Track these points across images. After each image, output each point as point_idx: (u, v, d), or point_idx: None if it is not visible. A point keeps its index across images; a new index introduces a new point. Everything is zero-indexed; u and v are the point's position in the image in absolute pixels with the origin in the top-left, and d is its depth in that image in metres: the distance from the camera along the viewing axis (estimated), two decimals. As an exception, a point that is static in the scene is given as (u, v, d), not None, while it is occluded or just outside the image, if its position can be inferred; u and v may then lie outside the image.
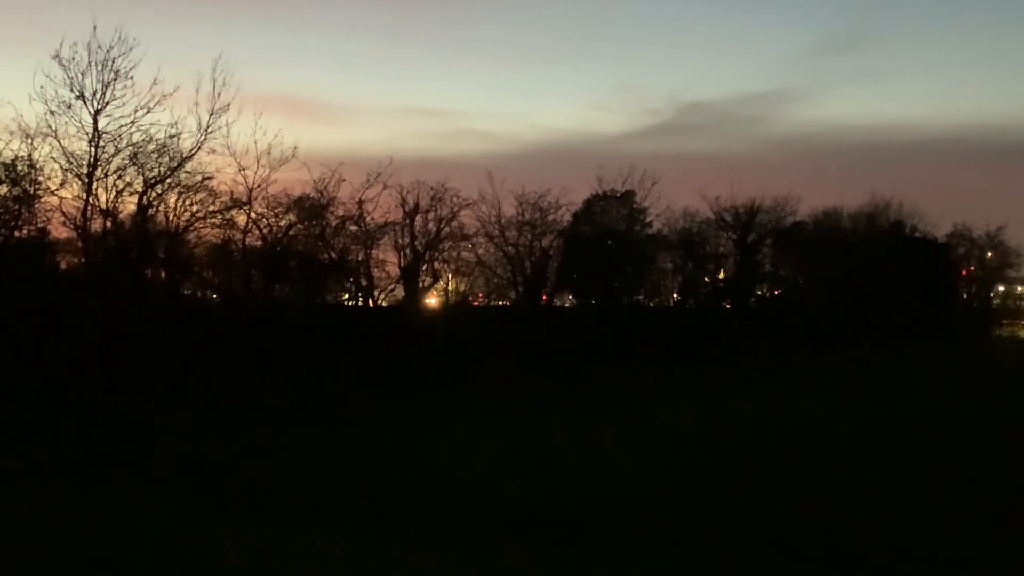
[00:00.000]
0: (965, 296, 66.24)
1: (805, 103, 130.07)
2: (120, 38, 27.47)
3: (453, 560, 10.43)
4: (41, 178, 27.45)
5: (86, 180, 27.86)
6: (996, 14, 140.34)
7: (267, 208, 32.56)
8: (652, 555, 11.10)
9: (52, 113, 27.20)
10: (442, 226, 36.86)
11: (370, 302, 35.30)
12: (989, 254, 65.86)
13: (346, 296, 36.16)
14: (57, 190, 27.80)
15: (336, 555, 10.53)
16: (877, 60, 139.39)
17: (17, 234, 27.58)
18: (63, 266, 30.15)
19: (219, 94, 29.54)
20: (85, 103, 27.45)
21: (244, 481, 14.71)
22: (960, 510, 13.49)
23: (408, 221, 36.00)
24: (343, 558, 10.43)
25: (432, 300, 39.05)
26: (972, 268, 66.05)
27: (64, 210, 28.00)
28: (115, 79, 27.55)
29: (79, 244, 28.99)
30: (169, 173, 29.34)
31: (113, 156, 28.25)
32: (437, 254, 37.56)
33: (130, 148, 28.34)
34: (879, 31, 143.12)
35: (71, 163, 27.70)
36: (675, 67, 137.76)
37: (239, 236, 32.27)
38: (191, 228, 30.91)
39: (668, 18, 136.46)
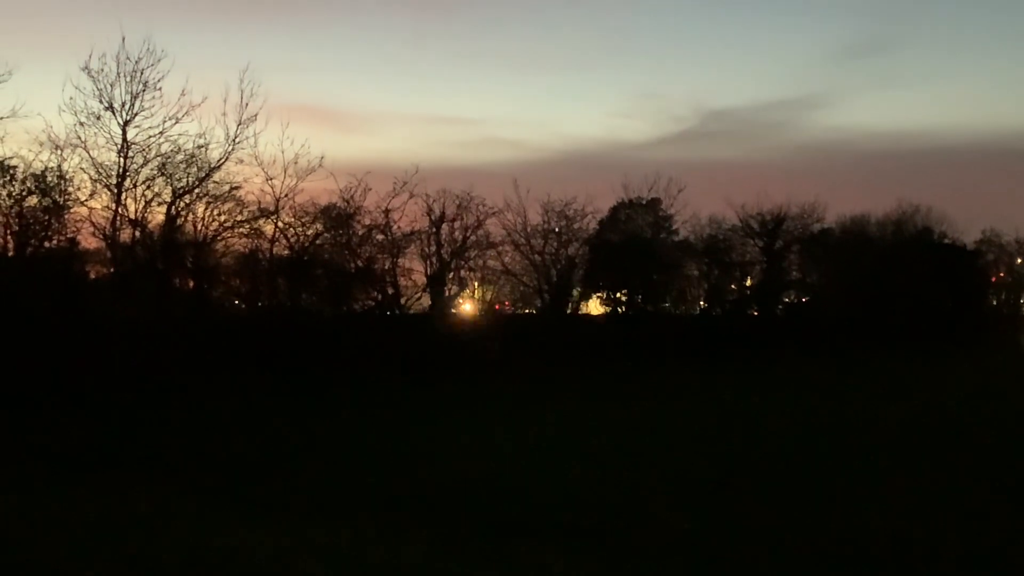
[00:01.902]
0: (995, 303, 65.69)
1: (830, 109, 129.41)
2: (148, 49, 27.81)
3: (471, 561, 10.43)
4: (71, 189, 27.77)
5: (115, 191, 28.15)
6: (1022, 18, 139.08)
7: (294, 217, 32.76)
8: (672, 555, 11.02)
9: (81, 124, 27.57)
10: (468, 235, 36.94)
11: (397, 310, 35.39)
12: (1019, 260, 65.38)
13: (372, 304, 36.21)
14: (86, 200, 28.13)
15: (356, 556, 10.56)
16: (902, 66, 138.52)
17: (47, 244, 27.87)
18: (92, 275, 30.40)
19: (246, 104, 29.82)
20: (114, 114, 27.78)
21: (269, 483, 14.72)
22: (984, 514, 13.32)
23: (434, 230, 36.11)
24: (362, 559, 10.46)
25: (458, 308, 39.12)
26: (1002, 274, 65.54)
27: (93, 220, 28.34)
28: (143, 90, 27.89)
29: (108, 254, 29.27)
30: (197, 183, 29.60)
31: (142, 167, 28.57)
32: (463, 262, 37.64)
33: (159, 159, 28.66)
34: (903, 36, 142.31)
35: (100, 174, 28.02)
36: (698, 74, 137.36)
37: (266, 245, 32.47)
38: (219, 238, 31.13)
39: (690, 25, 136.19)
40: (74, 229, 28.27)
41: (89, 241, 28.97)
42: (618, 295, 43.20)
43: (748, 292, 49.58)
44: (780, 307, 51.81)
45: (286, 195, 31.73)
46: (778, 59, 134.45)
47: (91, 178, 27.97)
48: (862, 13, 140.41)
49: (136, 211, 28.80)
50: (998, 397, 29.05)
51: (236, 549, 10.51)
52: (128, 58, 27.62)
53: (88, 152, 27.77)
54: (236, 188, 30.32)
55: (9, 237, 27.14)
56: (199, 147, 29.07)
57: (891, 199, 68.94)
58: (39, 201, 27.30)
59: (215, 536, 11.10)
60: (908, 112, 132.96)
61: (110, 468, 15.80)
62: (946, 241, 58.70)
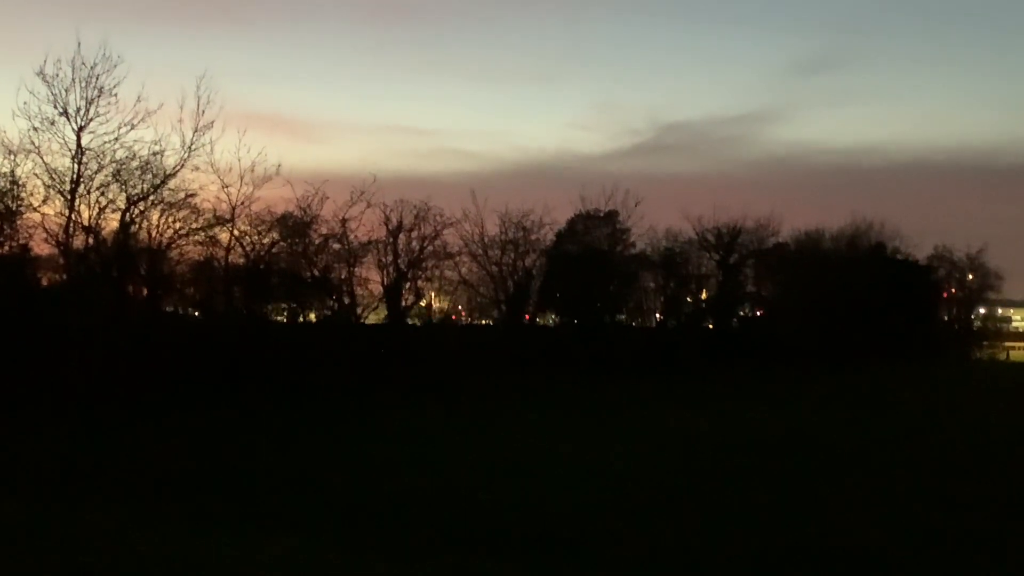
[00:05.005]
0: (946, 318, 66.57)
1: (786, 124, 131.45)
2: (104, 55, 27.49)
3: (430, 573, 10.48)
4: (23, 194, 27.46)
5: (68, 197, 27.81)
6: (974, 38, 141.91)
7: (250, 225, 32.60)
8: (633, 564, 11.16)
9: (35, 129, 27.17)
10: (425, 245, 37.03)
11: (354, 319, 35.35)
12: (970, 276, 66.32)
13: (329, 313, 36.13)
14: (39, 206, 27.77)
15: (315, 568, 10.55)
16: (857, 82, 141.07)
17: (-2, 250, 27.58)
18: (44, 282, 30.06)
19: (203, 112, 29.51)
20: (68, 120, 27.42)
21: (227, 496, 14.68)
22: (930, 523, 13.61)
23: (391, 239, 36.16)
24: (321, 571, 10.46)
25: (415, 318, 39.11)
26: (953, 290, 66.46)
27: (46, 226, 27.98)
28: (99, 96, 27.53)
29: (61, 260, 28.93)
30: (152, 190, 29.30)
31: (96, 173, 28.21)
32: (420, 272, 37.68)
33: (113, 165, 28.31)
34: (858, 54, 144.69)
35: (54, 179, 27.67)
36: (655, 88, 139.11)
37: (222, 253, 32.29)
38: (174, 245, 30.90)
39: (647, 39, 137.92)
40: (26, 235, 28.01)
41: (42, 247, 28.71)
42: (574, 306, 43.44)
43: (704, 305, 50.03)
44: (735, 320, 52.30)
45: (242, 203, 31.59)
46: (734, 74, 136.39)
47: (44, 184, 27.64)
48: (818, 30, 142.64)
49: (90, 218, 28.51)
50: (942, 411, 29.61)
51: (195, 561, 10.43)
52: (84, 63, 27.33)
53: (41, 157, 27.44)
54: (191, 195, 30.10)
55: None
56: (154, 154, 28.78)
57: (845, 214, 70.05)
58: (-9, 206, 27.03)
59: (174, 549, 10.98)
60: (862, 128, 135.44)
61: (62, 480, 15.63)
62: (899, 256, 59.54)
